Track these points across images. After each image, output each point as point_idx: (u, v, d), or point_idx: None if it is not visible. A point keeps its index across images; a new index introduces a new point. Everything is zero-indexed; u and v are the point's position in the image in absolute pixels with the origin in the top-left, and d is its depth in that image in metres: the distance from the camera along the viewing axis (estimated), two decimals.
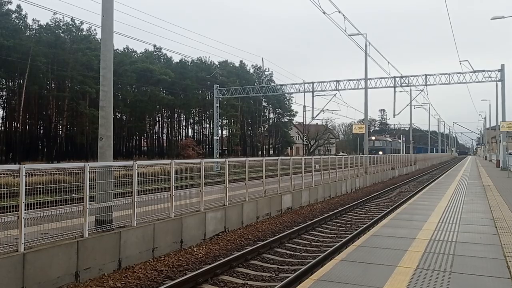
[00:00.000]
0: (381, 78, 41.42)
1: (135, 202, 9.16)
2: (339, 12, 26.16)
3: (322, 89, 43.46)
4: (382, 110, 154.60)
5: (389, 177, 36.46)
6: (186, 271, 8.66)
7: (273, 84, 63.61)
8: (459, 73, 38.49)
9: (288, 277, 8.05)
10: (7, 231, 7.02)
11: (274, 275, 8.66)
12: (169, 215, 10.18)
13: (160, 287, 7.46)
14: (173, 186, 10.33)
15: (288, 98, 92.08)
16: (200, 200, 11.38)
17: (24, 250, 6.81)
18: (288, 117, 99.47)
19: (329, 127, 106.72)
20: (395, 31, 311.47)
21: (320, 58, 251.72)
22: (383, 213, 16.29)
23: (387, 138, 78.94)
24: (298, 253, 10.57)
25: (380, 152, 51.01)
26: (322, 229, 13.75)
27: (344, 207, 17.93)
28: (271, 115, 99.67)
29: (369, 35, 45.21)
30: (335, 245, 10.91)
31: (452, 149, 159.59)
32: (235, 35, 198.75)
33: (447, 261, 6.46)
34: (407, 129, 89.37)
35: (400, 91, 45.24)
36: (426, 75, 40.05)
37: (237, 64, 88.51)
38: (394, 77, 41.30)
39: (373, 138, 72.79)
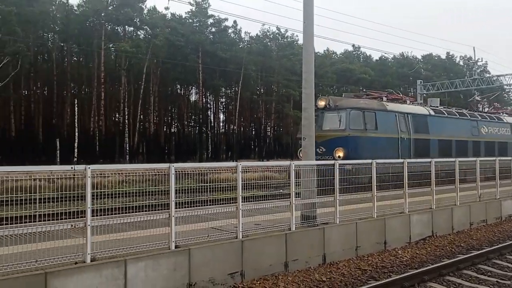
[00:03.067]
0: None
1: (338, 200, 9.33)
2: None
3: None
4: None
5: None
6: (391, 273, 8.39)
7: (487, 75, 56.59)
8: None
9: None
10: (228, 220, 8.01)
11: None
12: (371, 215, 10.05)
13: (364, 286, 7.42)
14: (375, 186, 10.16)
15: (507, 90, 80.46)
16: (403, 202, 10.90)
17: (242, 237, 7.66)
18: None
19: None
20: None
21: None
22: None
23: (386, 104, 18.40)
24: None
25: (340, 155, 16.06)
26: None
27: None
28: (486, 110, 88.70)
29: None
30: None
31: None
32: (440, 25, 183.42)
33: None
34: None
35: None
36: None
37: (443, 56, 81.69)
38: None
39: (322, 102, 17.06)
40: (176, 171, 7.01)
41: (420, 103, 22.87)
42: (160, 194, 7.09)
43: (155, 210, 7.22)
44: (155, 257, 6.58)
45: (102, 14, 47.89)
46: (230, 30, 60.83)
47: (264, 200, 9.72)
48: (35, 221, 6.40)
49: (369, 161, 10.35)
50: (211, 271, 7.10)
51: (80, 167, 6.31)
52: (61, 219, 6.47)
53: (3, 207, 6.87)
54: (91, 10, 47.98)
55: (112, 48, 50.69)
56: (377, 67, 73.82)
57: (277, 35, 63.88)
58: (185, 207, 7.32)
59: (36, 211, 6.57)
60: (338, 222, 9.26)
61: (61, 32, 48.31)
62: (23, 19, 40.76)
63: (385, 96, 19.13)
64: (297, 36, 65.08)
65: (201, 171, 8.27)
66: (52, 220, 6.58)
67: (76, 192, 6.37)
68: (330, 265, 8.67)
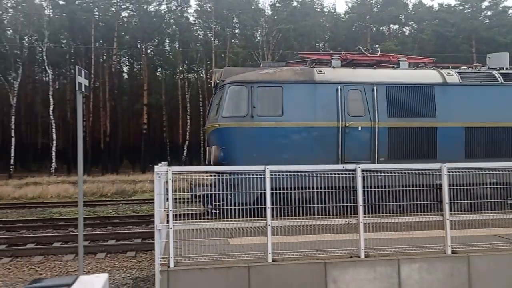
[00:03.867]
0: None
1: None
2: None
3: None
4: None
5: None
6: None
7: None
8: None
9: None
10: None
11: None
12: None
13: None
14: None
15: None
16: None
17: None
18: None
19: None
20: None
21: None
22: None
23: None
24: None
25: (211, 157, 10.29)
26: None
27: None
28: None
29: None
30: None
31: None
32: None
33: None
34: None
35: None
36: None
37: None
38: None
39: (213, 77, 11.54)
40: (449, 172, 6.60)
41: (438, 67, 11.83)
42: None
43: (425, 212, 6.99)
44: (430, 260, 6.36)
45: (367, 17, 49.19)
46: (511, 11, 52.85)
47: None
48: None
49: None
50: (495, 283, 6.36)
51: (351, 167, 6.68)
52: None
53: None
54: (357, 15, 49.96)
55: (378, 49, 51.54)
56: None
57: None
58: (459, 211, 6.80)
59: (318, 205, 7.25)
60: None
61: (331, 40, 52.06)
62: (298, 33, 45.91)
63: (339, 59, 11.10)
64: None
65: (477, 172, 7.46)
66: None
67: (348, 189, 6.74)
68: None
